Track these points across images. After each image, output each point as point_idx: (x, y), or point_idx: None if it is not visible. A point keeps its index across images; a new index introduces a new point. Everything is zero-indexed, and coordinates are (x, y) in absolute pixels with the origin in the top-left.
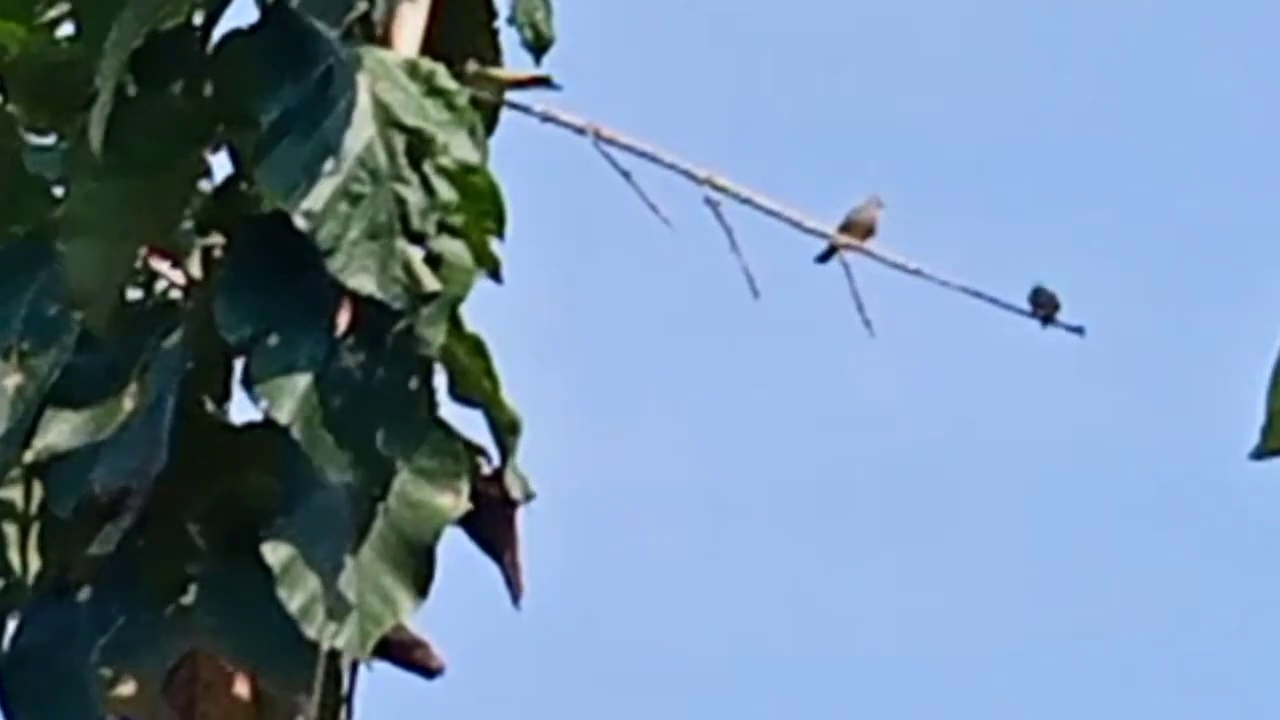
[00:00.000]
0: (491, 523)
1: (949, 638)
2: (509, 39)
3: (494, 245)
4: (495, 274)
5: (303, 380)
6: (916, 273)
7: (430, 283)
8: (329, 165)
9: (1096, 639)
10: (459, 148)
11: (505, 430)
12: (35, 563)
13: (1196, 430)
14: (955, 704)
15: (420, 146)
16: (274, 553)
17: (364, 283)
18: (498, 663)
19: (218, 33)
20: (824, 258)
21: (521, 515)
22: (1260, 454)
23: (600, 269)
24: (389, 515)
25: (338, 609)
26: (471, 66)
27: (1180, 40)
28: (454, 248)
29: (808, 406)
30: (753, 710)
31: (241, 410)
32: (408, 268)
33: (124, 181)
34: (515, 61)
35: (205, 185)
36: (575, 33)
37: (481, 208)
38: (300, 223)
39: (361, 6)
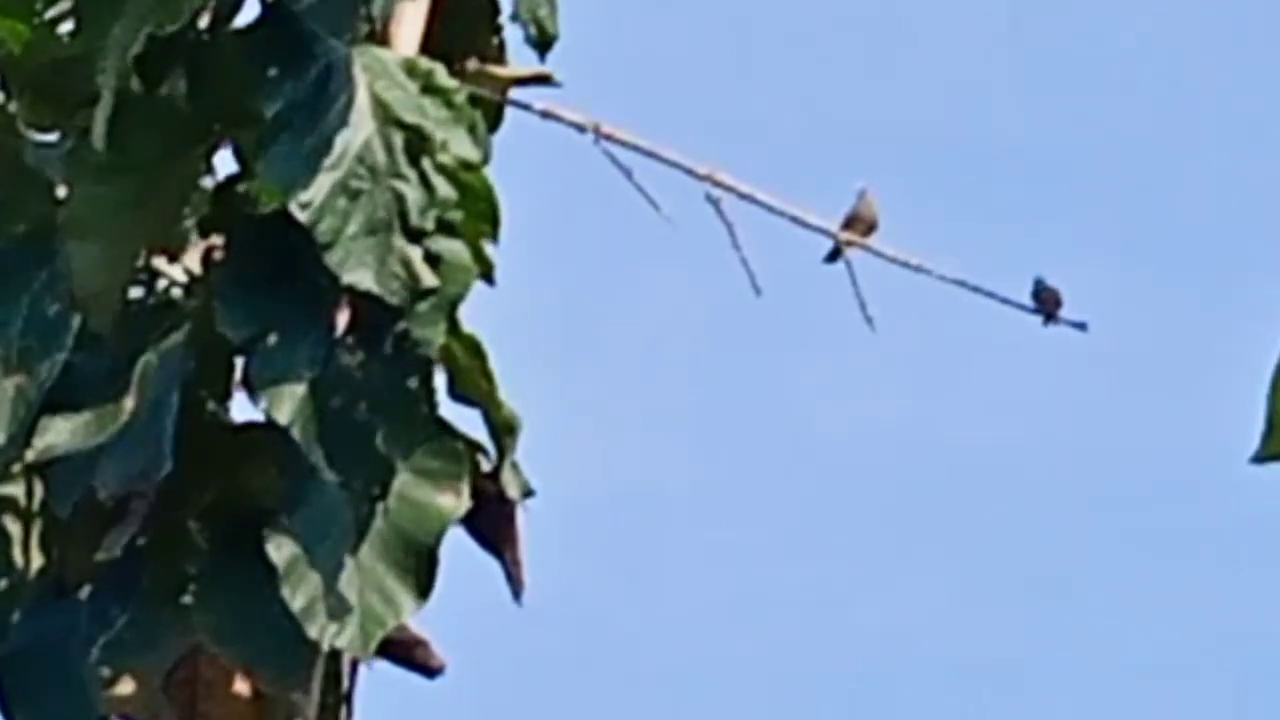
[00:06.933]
0: (492, 519)
1: (948, 636)
2: (512, 36)
3: (488, 248)
4: (488, 277)
5: (302, 381)
6: (919, 269)
7: (428, 279)
8: (328, 161)
9: (1095, 638)
10: (458, 145)
11: (502, 430)
12: (37, 560)
13: (1197, 427)
14: (955, 703)
15: (419, 144)
16: (278, 551)
17: (362, 278)
18: (498, 662)
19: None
20: (831, 257)
21: (521, 512)
22: (1260, 458)
23: (601, 266)
24: (390, 515)
25: (339, 609)
26: (472, 64)
27: (1181, 40)
28: (453, 247)
29: (808, 403)
30: (752, 709)
31: (242, 409)
32: (406, 264)
33: (126, 181)
34: (519, 58)
35: (207, 183)
36: (577, 30)
37: (477, 209)
38: (300, 216)
39: (365, 9)
